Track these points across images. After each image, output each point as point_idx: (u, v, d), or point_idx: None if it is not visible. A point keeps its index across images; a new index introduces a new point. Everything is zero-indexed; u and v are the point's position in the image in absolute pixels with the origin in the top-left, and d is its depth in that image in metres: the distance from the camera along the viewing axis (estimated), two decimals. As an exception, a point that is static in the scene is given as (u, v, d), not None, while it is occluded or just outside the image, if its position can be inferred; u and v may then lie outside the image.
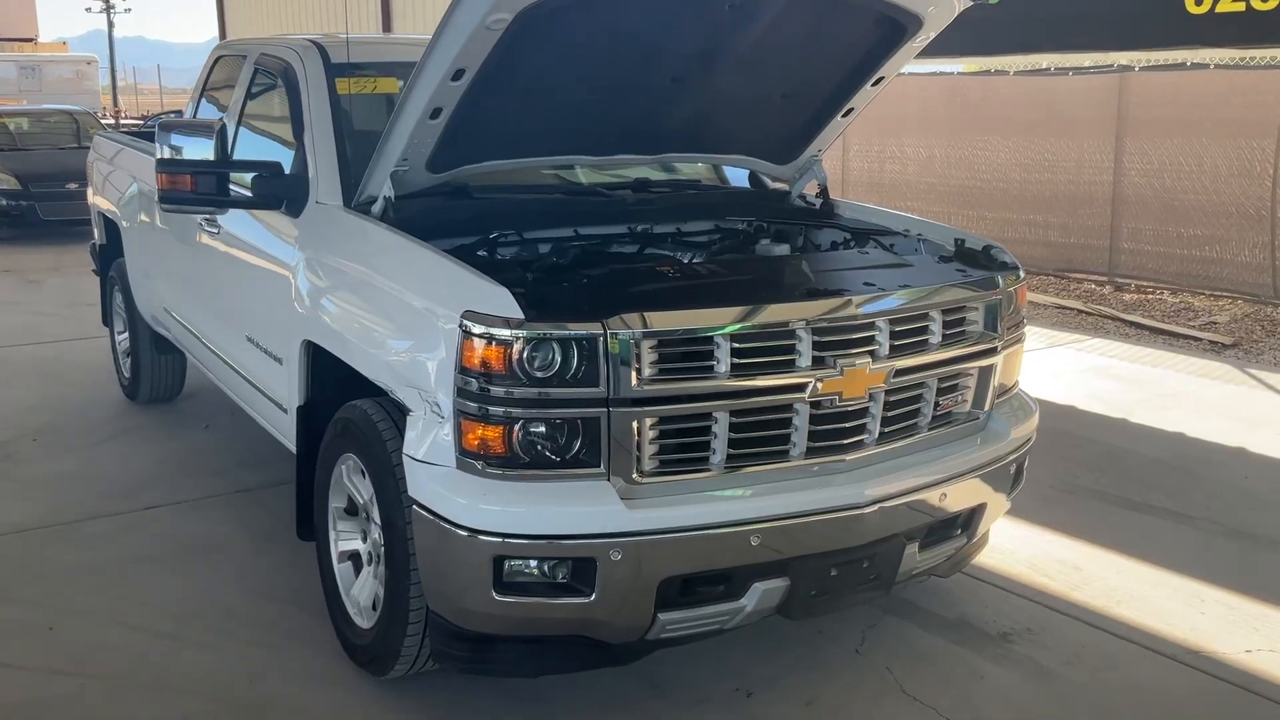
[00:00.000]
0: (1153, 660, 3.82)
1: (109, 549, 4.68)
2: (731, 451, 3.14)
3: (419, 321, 3.23)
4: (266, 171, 4.14)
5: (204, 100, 5.56)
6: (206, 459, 5.81)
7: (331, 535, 3.80)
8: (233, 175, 4.37)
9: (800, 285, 3.34)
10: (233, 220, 4.62)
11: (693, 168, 4.96)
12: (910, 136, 12.82)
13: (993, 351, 3.65)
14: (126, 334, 6.71)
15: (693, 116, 4.16)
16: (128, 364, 6.77)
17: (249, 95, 4.93)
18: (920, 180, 12.77)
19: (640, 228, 4.12)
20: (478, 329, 2.96)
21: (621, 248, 3.91)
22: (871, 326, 3.29)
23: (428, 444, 3.11)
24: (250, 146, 4.79)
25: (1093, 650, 3.88)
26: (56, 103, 21.36)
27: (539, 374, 2.96)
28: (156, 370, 6.54)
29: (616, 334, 2.95)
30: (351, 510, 3.71)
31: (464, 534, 2.97)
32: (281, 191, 4.13)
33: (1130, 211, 10.79)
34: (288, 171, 4.20)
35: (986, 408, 3.70)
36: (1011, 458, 3.72)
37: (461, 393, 3.00)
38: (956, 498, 3.53)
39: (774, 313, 3.15)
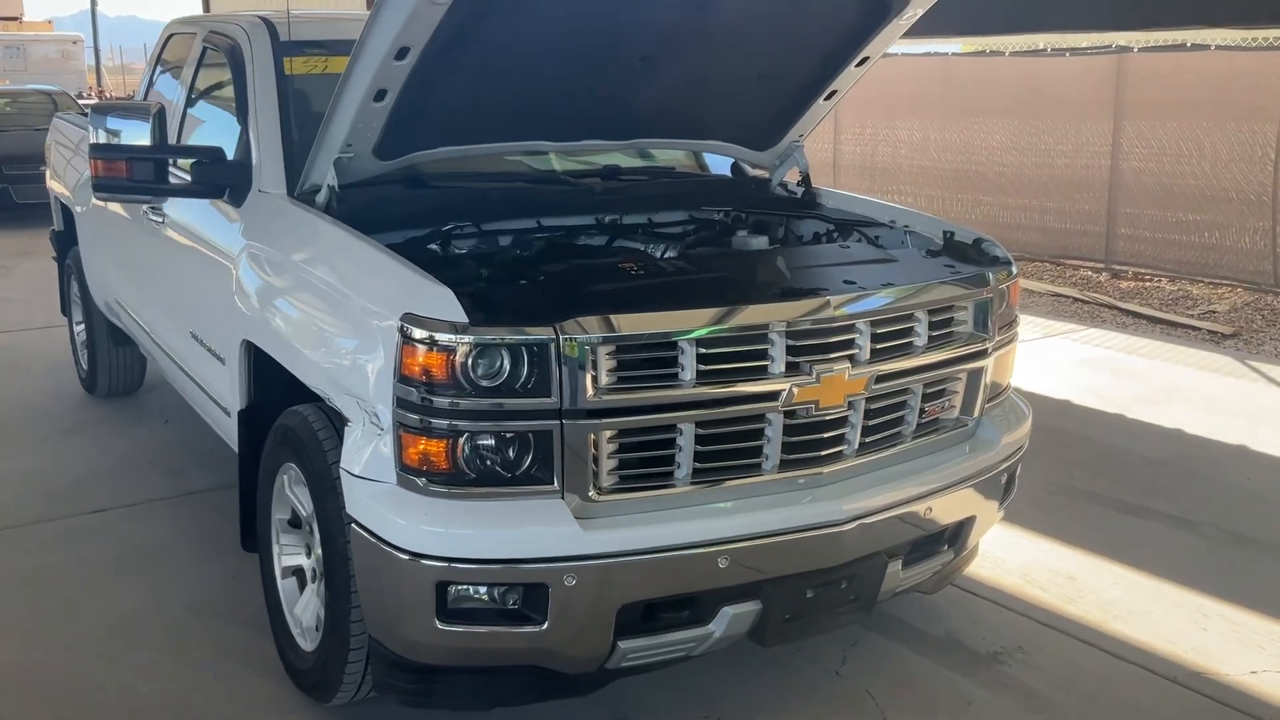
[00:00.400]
0: (1152, 683, 3.58)
1: (50, 557, 4.43)
2: (698, 466, 2.89)
3: (356, 324, 2.97)
4: (207, 157, 3.87)
5: (155, 82, 5.27)
6: (162, 457, 5.55)
7: (274, 549, 3.55)
8: (179, 161, 4.13)
9: (775, 284, 3.08)
10: (178, 209, 4.34)
11: (669, 154, 4.69)
12: (903, 119, 12.53)
13: (983, 354, 3.39)
14: (84, 324, 6.44)
15: (664, 99, 3.89)
16: (85, 355, 6.51)
17: (197, 76, 4.64)
18: (913, 163, 12.49)
19: (607, 219, 3.86)
20: (418, 333, 2.70)
21: (583, 242, 3.65)
22: (851, 329, 3.03)
23: (366, 458, 2.85)
24: (198, 131, 4.51)
25: (1088, 672, 3.64)
26: (42, 83, 20.97)
27: (485, 383, 2.70)
28: (114, 363, 6.27)
29: (571, 339, 2.69)
30: (295, 523, 3.46)
31: (404, 557, 2.72)
32: (223, 179, 3.86)
33: (1128, 196, 10.53)
34: (231, 158, 3.92)
35: (976, 414, 3.45)
36: (1003, 467, 3.47)
37: (401, 403, 2.74)
38: (943, 511, 3.28)
39: (745, 315, 2.89)
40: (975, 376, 3.40)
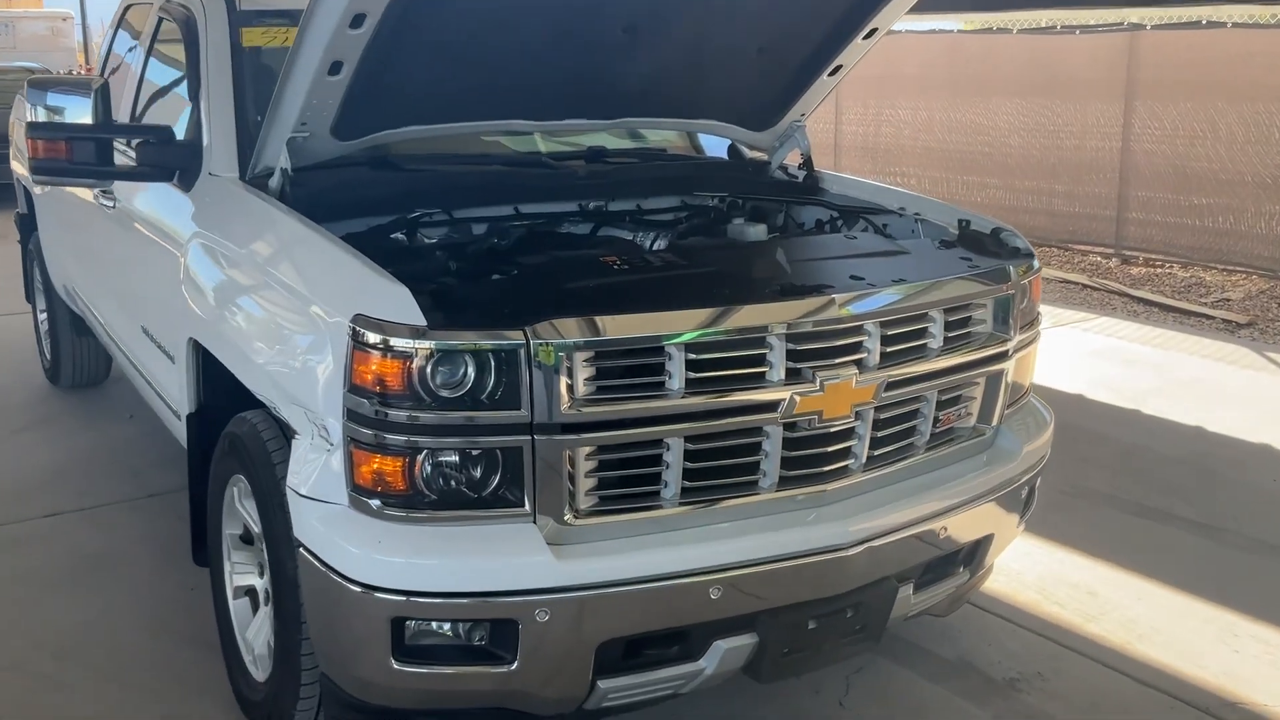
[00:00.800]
0: (1181, 714, 3.28)
1: (-6, 567, 4.13)
2: (687, 485, 2.58)
3: (303, 324, 2.65)
4: (154, 137, 3.54)
5: (110, 56, 4.93)
6: (124, 455, 5.24)
7: (226, 566, 3.24)
8: (133, 141, 3.80)
9: (773, 280, 2.76)
10: (128, 192, 4.02)
11: (661, 135, 4.37)
12: (907, 98, 12.18)
13: (1003, 356, 3.08)
14: (46, 312, 6.12)
15: (653, 75, 3.56)
16: (48, 345, 6.19)
17: (152, 49, 4.31)
18: (917, 144, 12.15)
19: (590, 206, 3.54)
20: (370, 337, 2.38)
21: (562, 232, 3.33)
22: (859, 330, 2.72)
23: (314, 476, 2.54)
24: (153, 109, 4.18)
25: (1112, 699, 3.35)
26: (32, 60, 20.50)
27: (447, 394, 2.39)
28: (78, 353, 5.95)
29: (543, 344, 2.38)
30: (248, 539, 3.15)
31: (355, 589, 2.41)
32: (172, 161, 3.53)
33: (1139, 179, 10.19)
34: (180, 138, 3.59)
35: (995, 421, 3.14)
36: (1023, 480, 3.16)
37: (352, 416, 2.42)
38: (959, 530, 2.98)
39: (740, 316, 2.57)
40: (995, 381, 3.09)
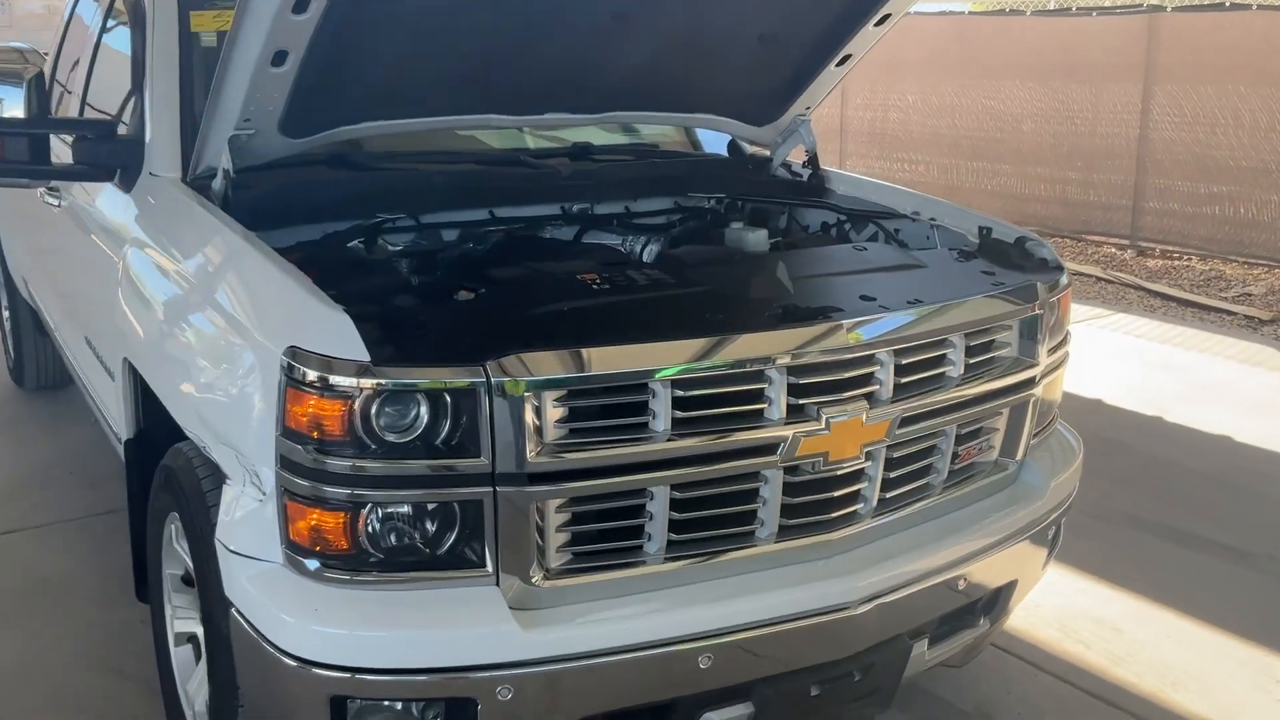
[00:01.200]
0: (1223, 777, 2.98)
1: (-68, 594, 3.83)
2: (674, 538, 2.27)
3: (233, 354, 2.33)
4: (93, 133, 3.21)
5: (65, 43, 4.60)
6: (85, 464, 4.92)
7: (167, 609, 2.93)
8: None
9: (773, 302, 2.43)
10: (77, 190, 3.69)
11: (657, 130, 4.02)
12: (915, 83, 11.78)
13: (1030, 383, 2.75)
14: (9, 309, 5.80)
15: (644, 65, 3.22)
16: (11, 344, 5.87)
17: (103, 35, 3.97)
18: (925, 130, 11.76)
19: (574, 209, 3.21)
20: (307, 374, 2.06)
21: (536, 242, 3.01)
22: (870, 360, 2.40)
23: (246, 530, 2.23)
24: (101, 101, 3.84)
25: (1146, 759, 3.04)
26: (28, 40, 20.18)
27: (395, 439, 2.07)
28: (40, 353, 5.63)
29: (507, 382, 2.05)
30: (190, 581, 2.83)
31: (291, 663, 2.10)
32: (113, 159, 3.20)
33: (1157, 168, 9.81)
34: (123, 133, 3.27)
35: (1019, 455, 2.82)
36: (1050, 519, 2.84)
37: (286, 463, 2.10)
38: (979, 578, 2.67)
39: (735, 346, 2.25)
40: (1020, 411, 2.76)
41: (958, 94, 11.43)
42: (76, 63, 4.27)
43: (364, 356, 2.03)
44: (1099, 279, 9.10)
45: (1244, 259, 9.33)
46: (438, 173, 3.04)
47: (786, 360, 2.27)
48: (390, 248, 2.86)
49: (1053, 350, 2.87)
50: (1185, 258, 9.66)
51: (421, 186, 3.04)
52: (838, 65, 3.38)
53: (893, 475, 2.51)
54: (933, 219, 3.27)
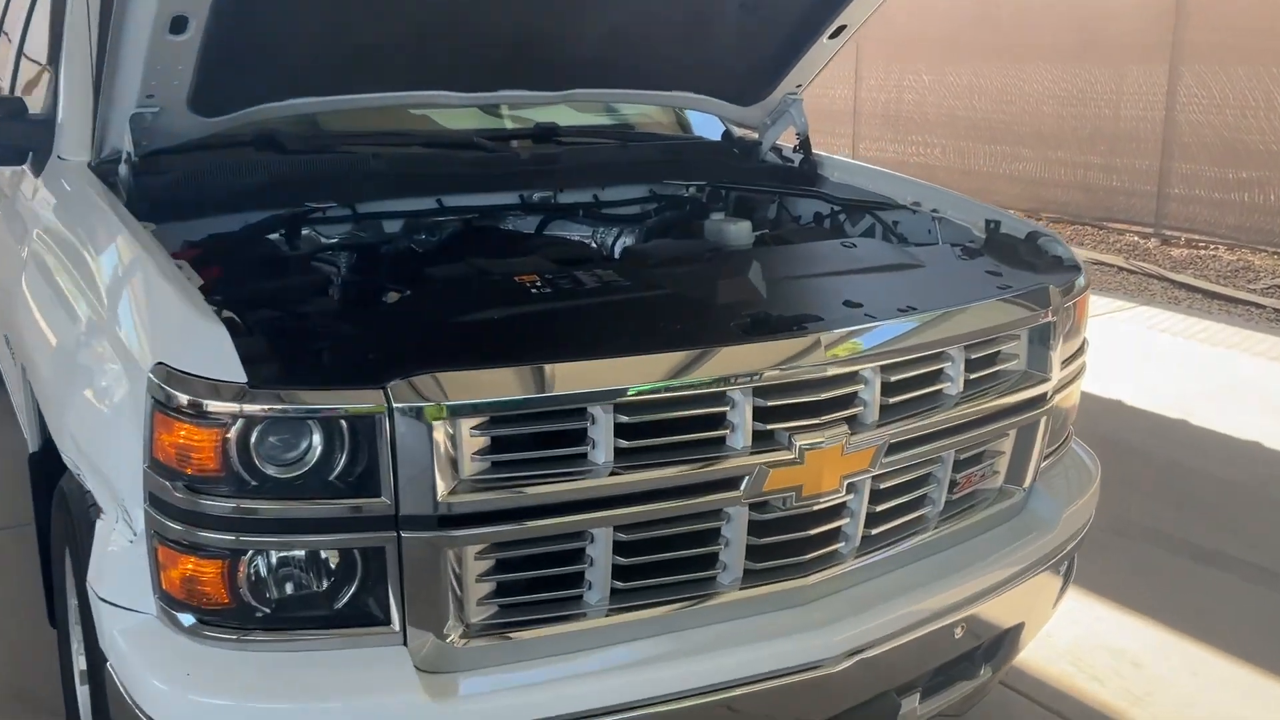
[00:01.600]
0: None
1: None
2: (619, 586, 1.94)
3: (105, 369, 2.01)
4: (1, 112, 2.89)
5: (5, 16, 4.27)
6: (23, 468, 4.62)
7: (74, 643, 2.63)
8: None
9: (741, 309, 2.09)
10: (8, 177, 3.37)
11: (638, 110, 3.66)
12: (931, 62, 11.36)
13: (1040, 400, 2.41)
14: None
15: (612, 36, 2.88)
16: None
17: (32, 9, 3.64)
18: (942, 113, 11.34)
19: (532, 198, 2.88)
20: (176, 397, 1.74)
21: (475, 236, 2.68)
22: (853, 378, 2.06)
23: (118, 574, 1.92)
24: (28, 78, 3.52)
25: (1167, 820, 2.71)
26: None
27: (279, 475, 1.75)
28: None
29: (411, 407, 1.73)
30: (93, 614, 2.53)
31: (161, 735, 1.79)
32: (24, 140, 2.88)
33: (1184, 152, 9.38)
34: (36, 112, 2.95)
35: (1027, 482, 2.47)
36: (1062, 554, 2.51)
37: (155, 501, 1.79)
38: (980, 623, 2.34)
39: (690, 363, 1.91)
40: (1029, 432, 2.42)
41: (976, 74, 11.01)
42: (8, 39, 3.95)
43: (240, 377, 1.71)
44: (1121, 269, 8.70)
45: (1274, 249, 8.90)
46: (376, 156, 2.70)
47: (750, 381, 1.93)
48: (310, 243, 2.53)
49: (1067, 361, 2.53)
50: (1212, 247, 9.23)
51: (358, 172, 2.71)
52: (831, 38, 3.03)
53: (879, 509, 2.18)
54: (935, 211, 2.92)
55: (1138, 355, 6.40)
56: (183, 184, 2.50)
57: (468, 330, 1.93)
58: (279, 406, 1.71)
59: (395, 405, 1.72)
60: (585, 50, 2.89)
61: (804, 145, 3.28)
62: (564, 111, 3.39)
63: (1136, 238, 9.67)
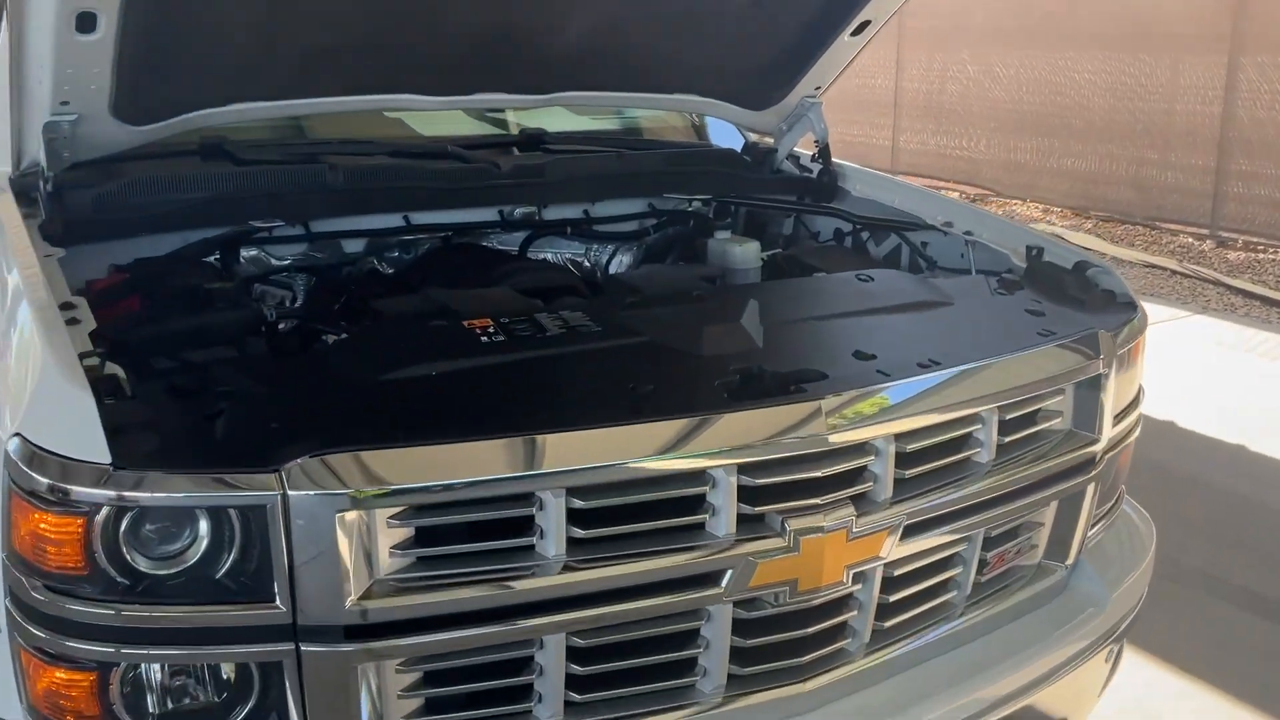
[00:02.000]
0: None
1: None
2: (575, 699, 1.62)
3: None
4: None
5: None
6: None
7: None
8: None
9: (728, 364, 1.75)
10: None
11: (648, 115, 3.31)
12: (976, 51, 10.89)
13: (1088, 465, 2.05)
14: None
15: (606, 32, 2.55)
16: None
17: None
18: (986, 104, 10.87)
19: (516, 215, 2.57)
20: (33, 477, 1.44)
21: (429, 266, 2.37)
22: (861, 450, 1.72)
23: (-20, 676, 1.62)
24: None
25: None
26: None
27: (154, 573, 1.44)
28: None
29: (312, 496, 1.42)
30: None
31: None
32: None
33: (1244, 149, 8.86)
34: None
35: (1071, 558, 2.12)
36: (1111, 638, 2.16)
37: (15, 600, 1.49)
38: (1012, 726, 1.99)
39: (661, 437, 1.58)
40: (1074, 503, 2.07)
41: (1023, 65, 10.53)
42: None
43: (102, 456, 1.40)
44: (1173, 272, 8.23)
45: (1339, 253, 8.40)
46: (333, 168, 2.38)
47: (733, 459, 1.60)
48: (247, 270, 2.23)
49: (1120, 414, 2.17)
50: (1272, 250, 8.72)
51: (311, 186, 2.39)
52: (854, 34, 2.67)
53: (893, 599, 1.84)
54: (968, 233, 2.56)
55: (1190, 369, 5.97)
56: (110, 199, 2.21)
57: (392, 393, 1.61)
58: (146, 495, 1.40)
59: (290, 492, 1.41)
60: (575, 47, 2.56)
61: (823, 154, 2.93)
62: (561, 115, 3.06)
63: (1191, 239, 9.18)
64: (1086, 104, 10.05)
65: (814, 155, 2.96)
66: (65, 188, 2.17)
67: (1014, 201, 10.53)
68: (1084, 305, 2.23)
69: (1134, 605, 2.25)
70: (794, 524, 1.65)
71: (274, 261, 2.38)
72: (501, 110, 3.00)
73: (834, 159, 2.95)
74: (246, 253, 2.33)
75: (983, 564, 1.98)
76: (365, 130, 2.70)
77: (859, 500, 1.73)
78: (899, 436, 1.75)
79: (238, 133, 2.44)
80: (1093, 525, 2.19)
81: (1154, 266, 8.37)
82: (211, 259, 2.21)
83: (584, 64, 2.60)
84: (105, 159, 2.27)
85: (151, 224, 2.23)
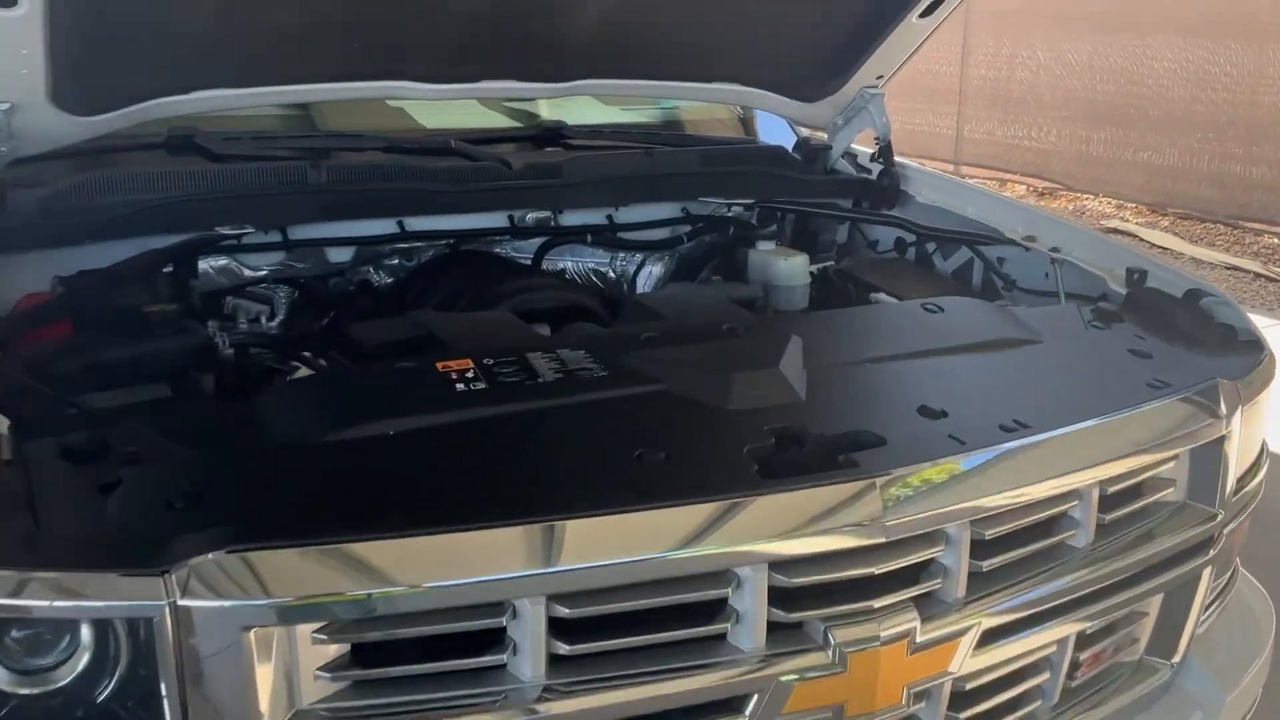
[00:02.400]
0: None
1: None
2: (558, 847, 1.28)
3: None
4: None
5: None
6: None
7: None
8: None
9: (758, 425, 1.40)
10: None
11: (689, 106, 2.94)
12: (1047, 37, 10.37)
13: (1204, 546, 1.67)
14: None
15: (636, 10, 2.20)
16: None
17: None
18: (1058, 93, 10.34)
19: (530, 221, 2.24)
20: None
21: (428, 281, 2.04)
22: (928, 540, 1.36)
23: None
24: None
25: None
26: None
27: (23, 691, 1.14)
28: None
29: (210, 608, 1.09)
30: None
31: None
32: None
33: (1336, 144, 8.31)
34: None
35: (1179, 655, 1.75)
36: (1223, 751, 1.78)
37: None
38: None
39: (669, 527, 1.24)
40: (1185, 593, 1.69)
41: (1096, 51, 9.99)
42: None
43: (-50, 552, 1.09)
44: (1258, 275, 7.73)
45: None
46: (315, 167, 2.06)
47: (767, 549, 1.26)
48: (203, 286, 1.92)
49: (1243, 479, 1.78)
50: (1366, 252, 8.18)
51: (293, 186, 2.08)
52: (921, 17, 2.28)
53: (964, 716, 1.49)
54: (1054, 249, 2.18)
55: (1282, 386, 5.49)
56: (59, 200, 1.91)
57: (334, 460, 1.28)
58: (12, 603, 1.09)
59: (182, 601, 1.09)
60: (598, 29, 2.20)
61: (884, 153, 2.54)
62: (591, 106, 2.71)
63: (1276, 240, 8.65)
64: (1165, 93, 9.51)
65: (873, 154, 2.58)
66: (5, 187, 1.88)
67: (1085, 196, 10.03)
68: (1199, 344, 1.85)
69: (1249, 707, 1.87)
70: (840, 635, 1.30)
71: (247, 273, 2.07)
72: (530, 100, 2.66)
73: (896, 157, 2.58)
74: (213, 263, 2.02)
75: (1074, 666, 1.62)
76: (358, 123, 2.38)
77: (924, 602, 1.37)
78: (975, 521, 1.39)
79: (210, 124, 2.13)
80: (1205, 609, 1.81)
81: (1236, 269, 7.87)
82: (165, 271, 1.90)
83: (608, 48, 2.25)
84: (55, 154, 1.98)
85: (106, 229, 1.93)
